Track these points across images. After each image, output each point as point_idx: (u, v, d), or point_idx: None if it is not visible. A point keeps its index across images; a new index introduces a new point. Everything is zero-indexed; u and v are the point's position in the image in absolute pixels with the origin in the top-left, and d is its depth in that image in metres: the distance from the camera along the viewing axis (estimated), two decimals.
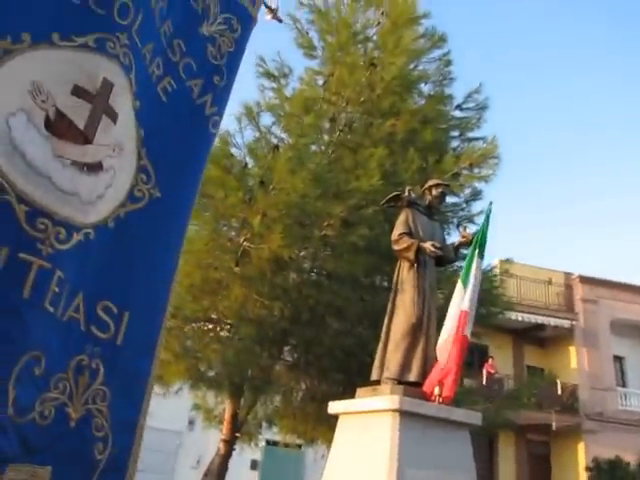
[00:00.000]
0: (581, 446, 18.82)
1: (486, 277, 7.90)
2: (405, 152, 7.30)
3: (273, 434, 11.15)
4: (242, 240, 6.72)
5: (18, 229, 1.59)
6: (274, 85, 8.38)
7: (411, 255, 5.24)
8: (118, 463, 1.85)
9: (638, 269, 44.75)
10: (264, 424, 9.55)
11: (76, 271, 1.76)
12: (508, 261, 8.25)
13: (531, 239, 49.97)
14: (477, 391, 14.07)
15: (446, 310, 5.05)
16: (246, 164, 6.86)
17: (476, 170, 7.78)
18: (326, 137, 8.64)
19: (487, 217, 5.31)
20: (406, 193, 5.61)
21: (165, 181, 2.10)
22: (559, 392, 19.16)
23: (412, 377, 4.93)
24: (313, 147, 8.49)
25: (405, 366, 4.99)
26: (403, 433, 4.42)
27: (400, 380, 4.91)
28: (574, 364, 20.11)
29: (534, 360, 21.08)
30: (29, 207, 1.62)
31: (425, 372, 4.89)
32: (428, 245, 5.20)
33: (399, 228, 5.43)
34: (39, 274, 1.61)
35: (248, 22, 2.50)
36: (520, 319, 19.62)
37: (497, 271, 8.62)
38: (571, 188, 49.05)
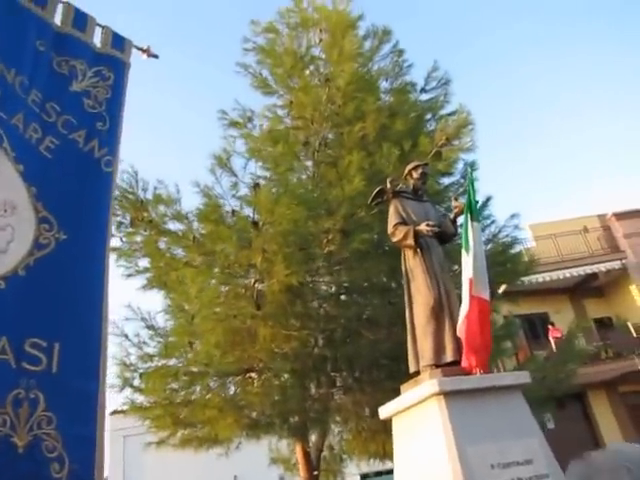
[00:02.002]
0: None
1: (496, 240, 7.78)
2: (381, 149, 7.35)
3: (365, 466, 10.87)
4: (253, 282, 6.80)
5: None
6: (242, 132, 8.59)
7: (410, 241, 5.23)
8: (81, 478, 2.00)
9: None
10: (344, 456, 9.40)
11: None
12: (514, 217, 8.14)
13: (551, 195, 49.03)
14: (549, 359, 13.62)
15: None
16: (234, 210, 7.00)
17: (455, 142, 7.77)
18: (309, 163, 8.76)
19: (470, 181, 5.28)
20: (388, 185, 5.64)
21: (69, 223, 2.30)
22: (634, 335, 18.40)
23: (448, 357, 4.85)
24: (303, 177, 8.62)
25: (438, 349, 4.92)
26: (453, 413, 4.31)
27: (437, 364, 4.84)
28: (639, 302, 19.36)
29: (598, 311, 20.29)
30: None
31: (460, 349, 4.80)
32: (423, 226, 5.19)
33: (392, 220, 5.44)
34: None
35: (120, 68, 2.74)
36: (569, 275, 19.08)
37: (509, 230, 8.49)
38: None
